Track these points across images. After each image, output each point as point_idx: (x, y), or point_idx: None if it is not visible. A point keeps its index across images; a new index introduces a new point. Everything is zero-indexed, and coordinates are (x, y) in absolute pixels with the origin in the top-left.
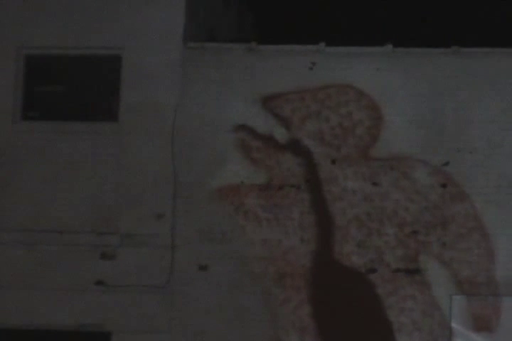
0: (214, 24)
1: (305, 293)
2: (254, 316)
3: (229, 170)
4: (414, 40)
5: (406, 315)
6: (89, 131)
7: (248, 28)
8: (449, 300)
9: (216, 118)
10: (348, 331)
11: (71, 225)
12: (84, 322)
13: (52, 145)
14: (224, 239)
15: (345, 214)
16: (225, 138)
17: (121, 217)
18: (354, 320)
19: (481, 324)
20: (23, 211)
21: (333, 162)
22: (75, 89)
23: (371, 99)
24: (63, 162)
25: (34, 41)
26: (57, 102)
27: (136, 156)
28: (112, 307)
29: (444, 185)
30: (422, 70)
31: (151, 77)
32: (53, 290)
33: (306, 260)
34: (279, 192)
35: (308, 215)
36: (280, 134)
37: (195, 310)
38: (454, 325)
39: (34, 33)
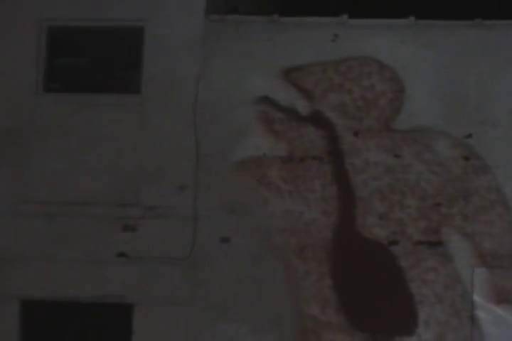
0: None
1: (326, 265)
2: (275, 289)
3: (251, 143)
4: (436, 12)
5: (428, 288)
6: (111, 103)
7: (270, 0)
8: (471, 272)
9: (238, 91)
10: (370, 303)
11: (93, 197)
12: (106, 294)
13: (74, 118)
14: (246, 211)
15: (367, 187)
16: (247, 111)
17: (143, 189)
18: (376, 292)
19: (503, 296)
20: (45, 183)
21: (356, 134)
22: (97, 61)
23: (393, 71)
24: (85, 134)
25: (56, 13)
26: (79, 74)
27: (158, 128)
28: (133, 280)
29: (466, 158)
30: (444, 43)
31: (173, 50)
32: (75, 262)
33: (328, 232)
34: (301, 164)
35: (330, 187)
36: (302, 106)
37: (217, 283)
38: (475, 297)
39: (56, 5)
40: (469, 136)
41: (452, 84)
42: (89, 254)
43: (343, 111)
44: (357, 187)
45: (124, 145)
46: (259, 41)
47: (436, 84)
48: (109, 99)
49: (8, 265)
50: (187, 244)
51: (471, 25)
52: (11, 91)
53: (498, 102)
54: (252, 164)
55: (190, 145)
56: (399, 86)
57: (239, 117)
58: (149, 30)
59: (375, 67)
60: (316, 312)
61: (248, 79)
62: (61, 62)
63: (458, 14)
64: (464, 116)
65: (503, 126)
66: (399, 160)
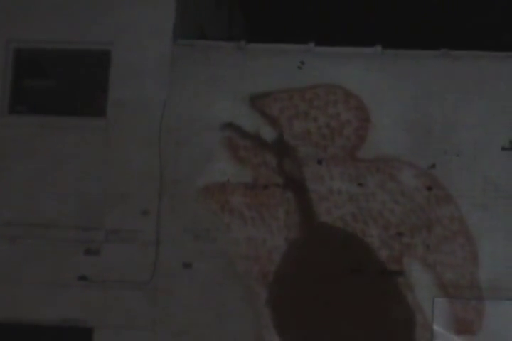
0: (204, 22)
1: (288, 292)
2: (237, 315)
3: (215, 169)
4: (403, 41)
5: (389, 316)
6: (77, 126)
7: (238, 27)
8: (431, 302)
9: (204, 116)
10: (331, 331)
11: (56, 220)
12: (67, 318)
13: (39, 140)
14: (209, 236)
15: (330, 215)
16: (212, 137)
17: (107, 213)
18: (338, 320)
19: (463, 327)
20: (8, 205)
21: (320, 162)
22: (63, 83)
23: (359, 100)
24: (50, 156)
25: (23, 35)
26: (45, 97)
27: (123, 152)
28: (95, 303)
29: (429, 188)
30: (410, 72)
31: (140, 74)
32: (37, 284)
33: (291, 260)
34: (264, 191)
35: (294, 215)
36: (267, 133)
37: (179, 308)
38: (435, 327)
39: (23, 26)
40: (433, 166)
41: (418, 113)
42: (51, 277)
43: (308, 139)
44: (320, 214)
45: (89, 169)
46: (226, 67)
47: (401, 113)
48: (74, 122)
49: None
50: (149, 268)
51: (437, 55)
52: None
53: (463, 133)
54: (216, 190)
55: (154, 170)
56: (364, 115)
57: (204, 143)
58: (116, 53)
59: (341, 96)
60: (276, 339)
61: (214, 104)
62: (27, 84)
63: (424, 44)
64: (428, 146)
65: (466, 157)
66: (362, 188)
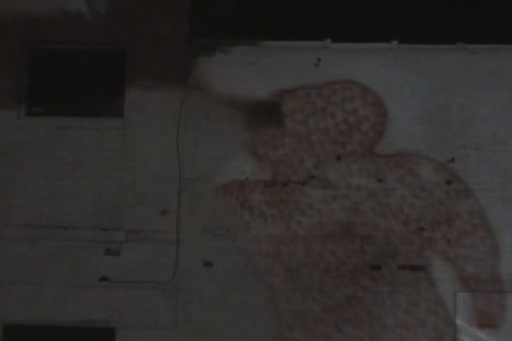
0: (220, 20)
1: (310, 289)
2: (258, 312)
3: (234, 167)
4: (419, 36)
5: (411, 312)
6: (94, 127)
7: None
8: (453, 296)
9: (221, 114)
10: (352, 328)
11: (76, 221)
12: (89, 318)
13: (56, 141)
14: (228, 235)
15: (349, 211)
16: (230, 134)
17: (126, 213)
18: (358, 315)
19: (485, 320)
20: (28, 207)
21: (339, 158)
22: (80, 84)
23: (376, 95)
24: (68, 158)
25: (39, 36)
26: (62, 98)
27: (142, 152)
28: (116, 303)
29: (449, 182)
30: (427, 66)
31: (157, 73)
32: (57, 286)
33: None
34: (283, 188)
35: (312, 212)
36: (285, 130)
37: (199, 307)
38: (458, 321)
39: (39, 28)
40: (452, 160)
41: (435, 108)
42: (72, 278)
43: (326, 135)
44: (339, 211)
45: (108, 169)
46: (243, 64)
47: (419, 108)
48: (92, 122)
49: None
50: (170, 267)
51: (453, 49)
52: None
53: (481, 126)
54: (235, 188)
55: (173, 170)
56: (382, 110)
57: (222, 141)
58: (132, 54)
59: (358, 91)
60: (298, 336)
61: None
62: (44, 86)
63: (440, 38)
64: (447, 140)
65: (485, 150)
66: (382, 184)
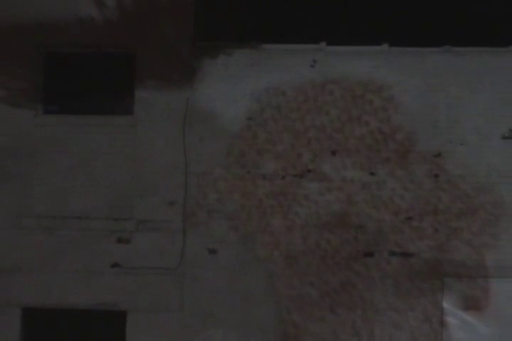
0: (222, 25)
1: (308, 275)
2: (259, 297)
3: (235, 161)
4: (408, 39)
5: (400, 296)
6: (106, 124)
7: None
8: (441, 282)
9: (224, 113)
10: (346, 311)
11: (89, 212)
12: (101, 302)
13: (71, 138)
14: (231, 224)
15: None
16: (232, 131)
17: (136, 204)
18: (352, 299)
19: (470, 304)
20: (45, 199)
21: (334, 153)
22: (92, 85)
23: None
24: (82, 153)
25: (55, 40)
26: (76, 97)
27: (150, 148)
28: (127, 288)
29: (436, 175)
30: (416, 68)
31: (164, 74)
32: (73, 272)
33: (308, 244)
34: (282, 181)
35: (310, 203)
36: (283, 127)
37: (205, 292)
38: (445, 305)
39: (54, 31)
40: (439, 154)
41: (423, 106)
42: (86, 265)
43: (323, 132)
44: (336, 202)
45: (119, 164)
46: (244, 66)
47: (408, 106)
48: (104, 120)
49: (11, 275)
50: (177, 255)
51: (440, 51)
52: (13, 113)
53: (466, 123)
54: (237, 181)
55: (179, 164)
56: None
57: (225, 137)
58: (141, 56)
59: (352, 91)
60: (296, 318)
61: (233, 101)
62: (60, 86)
63: (428, 41)
64: (435, 136)
65: (470, 145)
66: (374, 177)
